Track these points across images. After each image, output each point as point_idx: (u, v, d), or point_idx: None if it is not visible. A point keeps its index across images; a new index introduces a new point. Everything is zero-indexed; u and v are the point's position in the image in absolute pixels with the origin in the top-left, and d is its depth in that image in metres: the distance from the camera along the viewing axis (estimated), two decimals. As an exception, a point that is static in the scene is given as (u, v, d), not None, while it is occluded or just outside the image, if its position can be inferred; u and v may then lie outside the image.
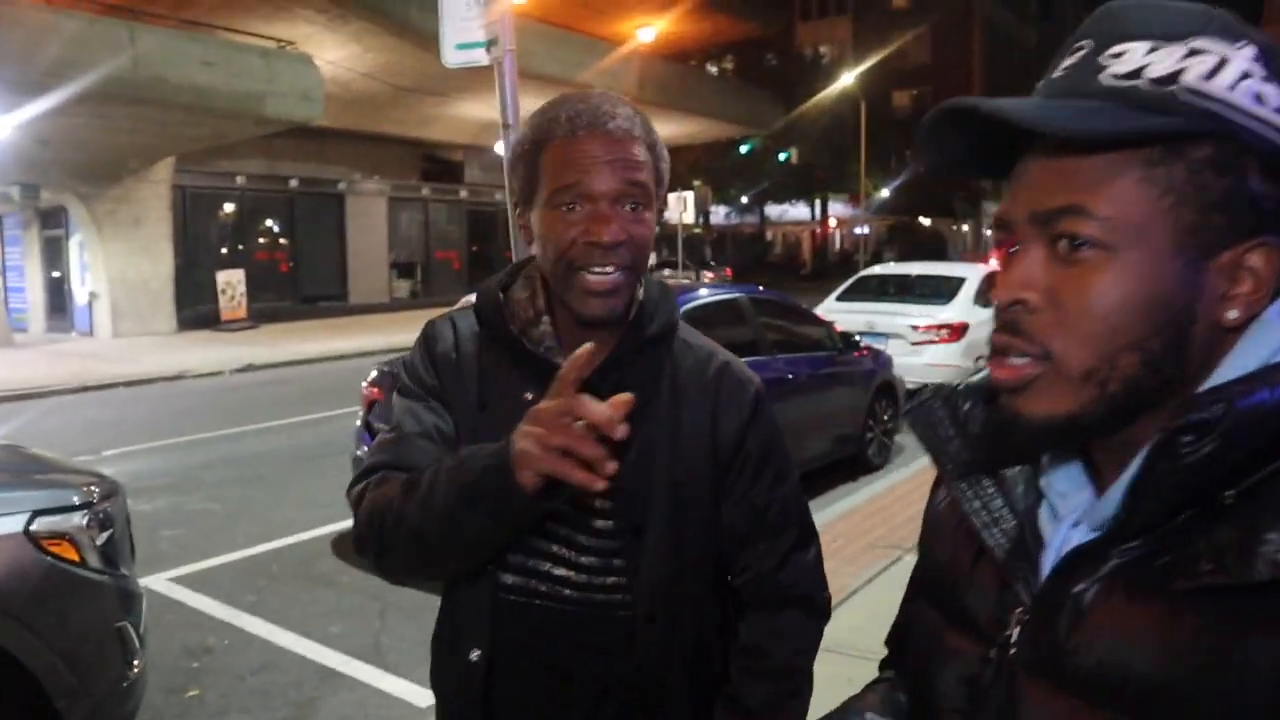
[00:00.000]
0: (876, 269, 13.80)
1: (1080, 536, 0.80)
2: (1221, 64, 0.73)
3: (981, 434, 0.87)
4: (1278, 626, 0.66)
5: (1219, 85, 0.72)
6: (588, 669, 1.43)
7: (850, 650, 3.31)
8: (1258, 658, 0.66)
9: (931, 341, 10.46)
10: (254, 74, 16.33)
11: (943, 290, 11.28)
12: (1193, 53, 0.73)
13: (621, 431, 1.10)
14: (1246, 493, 0.70)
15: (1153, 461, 0.72)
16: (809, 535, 1.56)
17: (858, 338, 9.00)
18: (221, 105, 15.99)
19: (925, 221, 50.86)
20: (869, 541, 5.79)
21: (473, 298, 1.51)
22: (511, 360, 1.43)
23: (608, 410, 1.11)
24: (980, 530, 0.87)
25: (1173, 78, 0.73)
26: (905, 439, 9.25)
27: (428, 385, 1.46)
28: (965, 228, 56.28)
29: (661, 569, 1.40)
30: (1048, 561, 0.81)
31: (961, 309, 10.87)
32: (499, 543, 1.34)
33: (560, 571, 1.41)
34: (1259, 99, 0.72)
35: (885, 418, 8.64)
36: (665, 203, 1.47)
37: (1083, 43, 0.78)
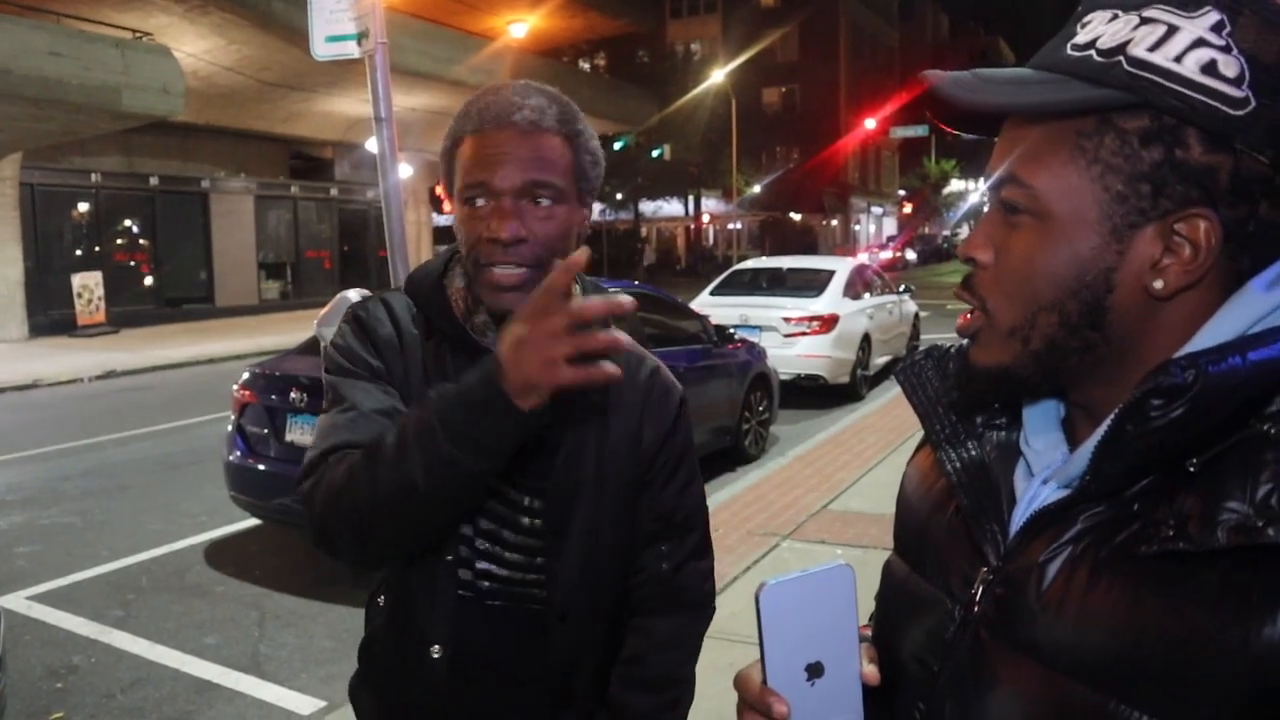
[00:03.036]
0: (749, 263, 14.06)
1: (1049, 494, 0.81)
2: (1169, 34, 0.73)
3: (956, 377, 0.91)
4: (1243, 603, 0.65)
5: (1162, 56, 0.72)
6: (505, 662, 1.44)
7: (731, 636, 3.40)
8: (1224, 637, 0.65)
9: (803, 333, 10.74)
10: (108, 66, 15.56)
11: (813, 283, 11.62)
12: (1144, 22, 0.74)
13: (630, 304, 1.10)
14: (1211, 461, 0.71)
15: (1120, 423, 0.73)
16: (707, 545, 1.59)
17: (732, 331, 9.18)
18: (73, 98, 15.17)
19: (796, 217, 51.98)
20: (749, 529, 5.93)
21: (350, 294, 1.50)
22: (453, 347, 1.42)
23: (604, 302, 1.12)
24: (955, 488, 0.89)
25: (1120, 49, 0.74)
26: (780, 429, 9.47)
27: (373, 368, 1.41)
28: (835, 222, 57.76)
29: (578, 570, 1.42)
30: (1018, 519, 0.83)
31: (832, 301, 11.21)
32: (480, 487, 1.29)
33: (483, 565, 1.41)
34: (1209, 69, 0.71)
35: (761, 409, 8.83)
36: (594, 195, 1.45)
37: (1081, 11, 0.80)
